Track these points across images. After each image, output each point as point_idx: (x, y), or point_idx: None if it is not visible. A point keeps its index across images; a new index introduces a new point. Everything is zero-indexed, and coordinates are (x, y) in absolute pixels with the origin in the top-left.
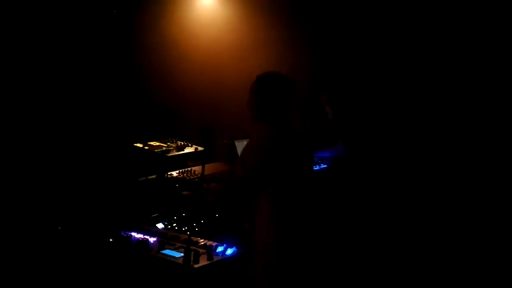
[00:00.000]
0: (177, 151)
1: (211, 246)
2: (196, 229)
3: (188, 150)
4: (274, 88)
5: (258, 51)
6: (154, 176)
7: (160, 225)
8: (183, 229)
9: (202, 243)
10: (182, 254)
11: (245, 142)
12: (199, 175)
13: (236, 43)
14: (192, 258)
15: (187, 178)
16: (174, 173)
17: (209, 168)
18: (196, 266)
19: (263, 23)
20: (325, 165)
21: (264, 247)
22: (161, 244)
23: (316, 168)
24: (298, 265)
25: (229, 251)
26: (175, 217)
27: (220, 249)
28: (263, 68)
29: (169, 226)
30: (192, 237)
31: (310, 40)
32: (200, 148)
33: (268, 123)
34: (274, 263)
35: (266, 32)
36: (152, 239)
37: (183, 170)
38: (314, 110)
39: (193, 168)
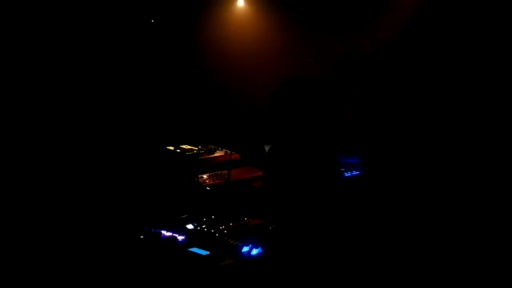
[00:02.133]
0: (208, 155)
1: (236, 245)
2: (225, 231)
3: (218, 153)
4: (292, 94)
5: (284, 46)
6: (185, 178)
7: (189, 226)
8: (212, 230)
9: (229, 242)
10: (208, 252)
11: None
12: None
13: (273, 48)
14: (218, 257)
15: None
16: (205, 176)
17: (239, 172)
18: (221, 264)
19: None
20: (357, 172)
21: (287, 247)
22: (188, 242)
23: (347, 174)
24: (320, 267)
25: (254, 251)
26: (204, 219)
27: (245, 249)
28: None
29: (198, 228)
30: (219, 237)
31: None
32: (232, 153)
33: (286, 129)
34: (297, 264)
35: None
36: (180, 237)
37: (213, 173)
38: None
39: (223, 171)
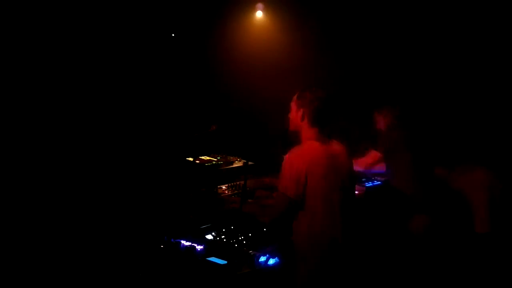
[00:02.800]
0: (226, 165)
1: (254, 255)
2: (244, 241)
3: (237, 164)
4: (308, 106)
5: (300, 56)
6: (204, 189)
7: (209, 236)
8: (231, 241)
9: (246, 252)
10: (226, 262)
11: None
12: (248, 189)
13: (290, 59)
14: (235, 266)
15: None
16: (224, 186)
17: (258, 182)
18: (238, 273)
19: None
20: (379, 182)
21: (302, 257)
22: (207, 251)
23: (368, 184)
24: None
25: (271, 261)
26: (223, 229)
27: (262, 258)
28: (304, 73)
29: (217, 238)
30: (236, 246)
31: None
32: (249, 163)
33: (304, 137)
34: (311, 273)
35: (308, 36)
36: (199, 247)
37: (232, 183)
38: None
39: (241, 182)
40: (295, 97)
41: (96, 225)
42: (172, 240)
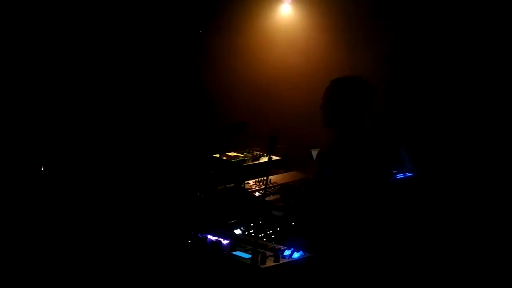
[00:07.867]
0: (253, 161)
1: (278, 249)
2: (272, 236)
3: (263, 159)
4: (346, 93)
5: (333, 57)
6: (231, 185)
7: (237, 231)
8: (258, 235)
9: (271, 246)
10: (250, 255)
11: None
12: (275, 184)
13: (311, 53)
14: (259, 259)
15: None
16: (251, 182)
17: (285, 177)
18: (262, 266)
19: (338, 27)
20: (411, 174)
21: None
22: (232, 246)
23: (400, 176)
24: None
25: (296, 255)
26: (251, 224)
27: (287, 252)
28: (337, 74)
29: (246, 233)
30: (261, 241)
31: (390, 42)
32: (275, 158)
33: (340, 128)
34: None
35: (343, 36)
36: (225, 241)
37: (259, 179)
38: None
39: (270, 177)
40: (325, 90)
41: (126, 220)
42: (200, 235)
